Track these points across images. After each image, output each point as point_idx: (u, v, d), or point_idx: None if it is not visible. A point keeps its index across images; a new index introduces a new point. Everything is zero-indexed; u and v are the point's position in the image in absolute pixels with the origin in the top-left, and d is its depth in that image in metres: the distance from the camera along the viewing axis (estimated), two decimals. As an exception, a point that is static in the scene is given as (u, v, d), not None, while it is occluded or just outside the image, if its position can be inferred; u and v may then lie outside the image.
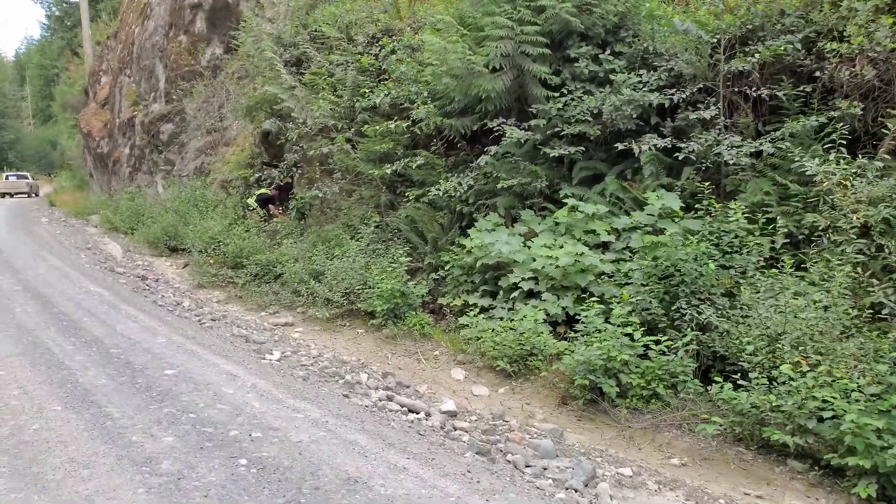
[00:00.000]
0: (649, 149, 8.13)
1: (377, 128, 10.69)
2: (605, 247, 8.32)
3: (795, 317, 5.56)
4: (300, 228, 13.05)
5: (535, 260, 8.42)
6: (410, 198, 10.88)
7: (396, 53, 11.33)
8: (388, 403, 6.00)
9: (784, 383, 5.19)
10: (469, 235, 9.61)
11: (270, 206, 14.28)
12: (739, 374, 5.86)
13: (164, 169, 21.07)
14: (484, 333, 8.01)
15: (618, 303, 6.93)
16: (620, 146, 8.55)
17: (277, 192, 14.62)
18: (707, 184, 7.96)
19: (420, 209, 10.72)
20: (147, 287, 11.34)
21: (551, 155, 9.07)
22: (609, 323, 6.64)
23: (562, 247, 8.25)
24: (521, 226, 9.23)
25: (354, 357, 8.15)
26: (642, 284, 7.12)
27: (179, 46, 20.54)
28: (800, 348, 5.35)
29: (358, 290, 9.81)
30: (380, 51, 12.23)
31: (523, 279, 8.32)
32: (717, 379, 5.66)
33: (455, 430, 5.54)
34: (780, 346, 5.42)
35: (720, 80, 8.29)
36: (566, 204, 9.28)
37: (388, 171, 10.35)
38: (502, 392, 7.01)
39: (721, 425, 5.31)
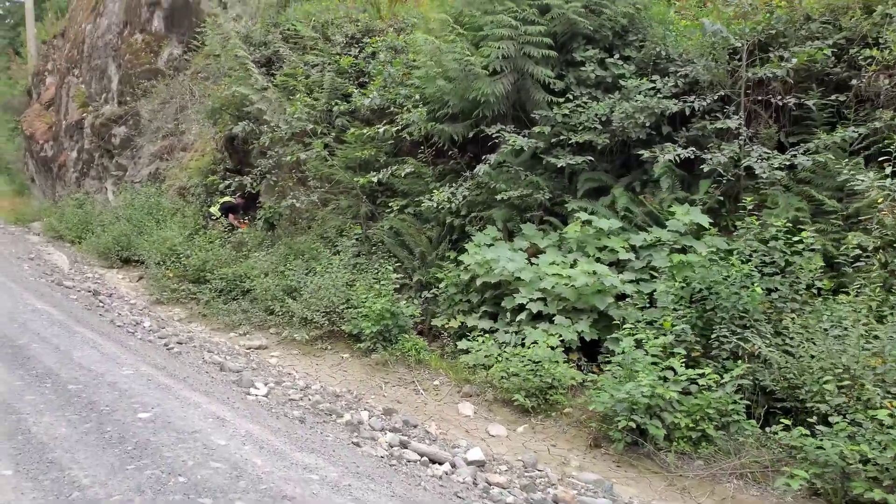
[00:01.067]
0: (672, 159, 7.48)
1: (362, 132, 9.83)
2: (618, 266, 7.64)
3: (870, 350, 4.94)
4: (269, 240, 12.06)
5: (541, 279, 7.69)
6: (394, 208, 10.05)
7: (379, 55, 10.51)
8: (403, 451, 5.14)
9: (866, 428, 4.53)
10: (465, 250, 8.84)
11: (232, 215, 13.23)
12: (794, 414, 5.22)
13: (115, 174, 19.67)
14: (490, 360, 7.23)
15: (655, 330, 6.23)
16: (644, 153, 7.89)
17: (243, 200, 13.58)
18: (724, 199, 7.39)
19: (405, 221, 9.89)
20: (101, 304, 10.17)
21: (555, 165, 8.39)
22: (644, 353, 5.92)
23: (574, 265, 7.54)
24: (522, 240, 8.49)
25: (344, 388, 7.25)
26: (673, 309, 6.44)
27: (135, 45, 19.25)
28: (888, 389, 4.72)
29: (340, 309, 8.92)
30: (360, 52, 11.41)
31: (531, 300, 7.57)
32: (783, 420, 4.98)
33: (490, 485, 4.72)
34: (861, 384, 4.78)
35: (741, 88, 7.74)
36: (567, 218, 8.63)
37: (375, 180, 9.47)
38: (521, 431, 6.21)
39: (806, 479, 4.59)
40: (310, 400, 6.38)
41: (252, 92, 11.22)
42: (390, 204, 10.20)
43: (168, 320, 9.98)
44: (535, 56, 8.40)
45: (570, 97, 8.40)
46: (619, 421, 5.52)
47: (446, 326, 8.32)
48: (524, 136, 8.44)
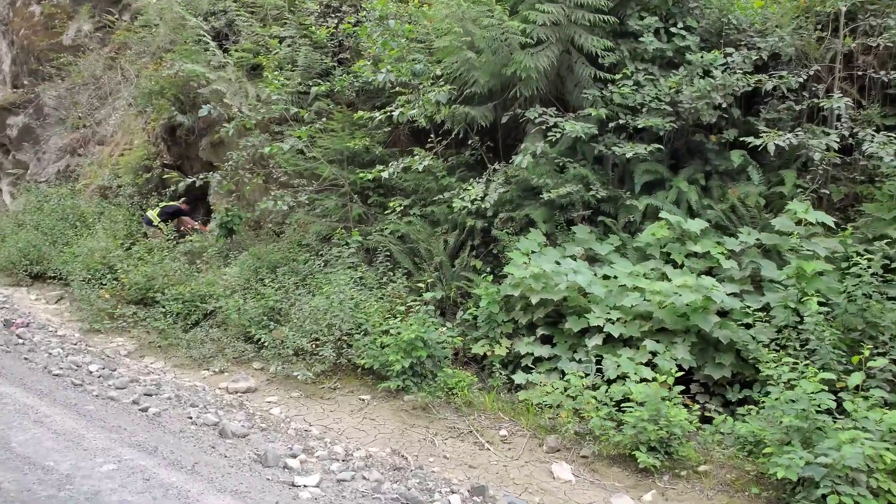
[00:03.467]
0: (786, 144, 6.20)
1: (362, 116, 8.06)
2: (708, 275, 6.32)
3: None
4: (226, 250, 10.06)
5: (614, 293, 6.30)
6: (395, 209, 8.37)
7: (387, 22, 8.70)
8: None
9: None
10: (499, 259, 7.34)
11: (186, 219, 11.10)
12: None
13: (12, 173, 16.72)
14: (555, 397, 5.76)
15: (794, 358, 4.94)
16: (711, 139, 6.62)
17: (188, 205, 11.45)
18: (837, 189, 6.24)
19: (413, 224, 8.24)
20: (20, 339, 7.92)
21: (602, 155, 7.04)
22: (809, 393, 4.60)
23: (664, 277, 6.18)
24: (572, 246, 7.05)
25: (387, 447, 5.57)
26: (821, 332, 5.16)
27: (32, 19, 16.40)
28: None
29: (347, 336, 7.20)
30: (339, 22, 9.59)
31: (609, 321, 6.15)
32: None
33: None
34: None
35: (838, 62, 6.58)
36: (618, 217, 7.30)
37: (385, 175, 7.74)
38: (650, 501, 4.76)
39: None
40: (368, 480, 4.67)
41: (208, 70, 9.17)
42: (390, 204, 8.52)
43: (115, 357, 7.89)
44: (585, 24, 6.96)
45: (627, 73, 7.01)
46: (813, 491, 4.17)
47: (489, 354, 6.77)
48: (570, 121, 6.98)
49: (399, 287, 7.63)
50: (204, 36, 9.20)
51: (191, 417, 5.58)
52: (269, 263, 9.07)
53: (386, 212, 8.64)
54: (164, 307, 8.77)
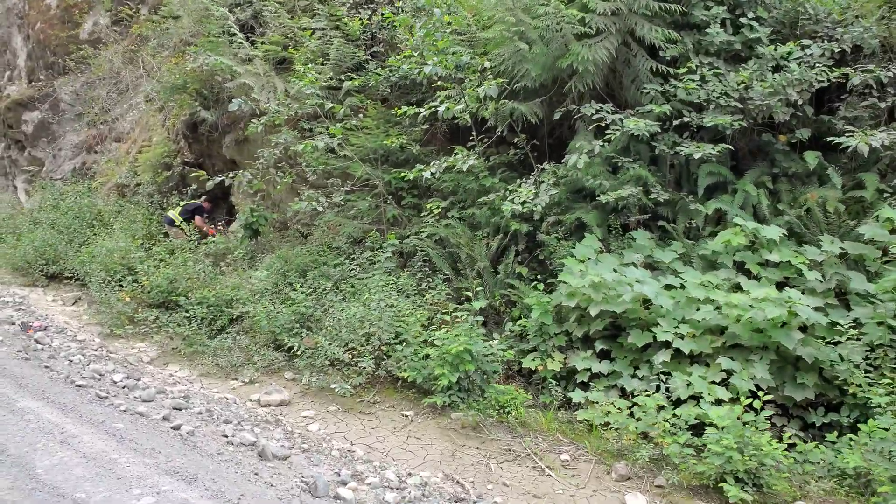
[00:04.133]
0: (880, 145, 5.67)
1: (404, 112, 7.59)
2: (786, 287, 5.80)
3: None
4: (251, 252, 9.62)
5: (678, 304, 5.80)
6: (432, 211, 7.90)
7: (403, 16, 8.22)
8: None
9: None
10: (544, 264, 6.86)
11: (199, 220, 10.65)
12: None
13: (27, 170, 16.35)
14: (630, 420, 5.27)
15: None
16: (780, 139, 6.11)
17: (209, 203, 11.02)
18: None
19: (453, 227, 7.76)
20: (39, 344, 7.48)
21: (658, 154, 6.55)
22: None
23: (736, 288, 5.67)
24: (631, 252, 6.55)
25: (439, 470, 5.08)
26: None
27: (48, 13, 16.03)
28: None
29: (385, 346, 6.73)
30: (371, 14, 9.12)
31: (678, 335, 5.64)
32: None
33: None
34: None
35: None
36: (676, 221, 6.80)
37: (427, 174, 7.26)
38: (743, 540, 4.27)
39: None
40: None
41: (236, 63, 8.71)
42: (427, 206, 8.04)
43: (138, 365, 7.44)
44: (645, 13, 6.46)
45: (692, 66, 6.51)
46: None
47: (540, 369, 6.28)
48: (633, 118, 6.48)
49: (440, 294, 7.15)
50: (232, 27, 8.72)
51: (226, 436, 5.11)
52: (297, 267, 8.63)
53: (422, 214, 8.19)
54: (187, 312, 8.33)
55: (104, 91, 14.35)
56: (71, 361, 6.93)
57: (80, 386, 5.89)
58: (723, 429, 4.73)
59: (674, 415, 5.05)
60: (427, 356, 6.41)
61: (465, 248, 7.54)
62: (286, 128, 8.84)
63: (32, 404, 5.13)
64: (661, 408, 5.34)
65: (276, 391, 6.62)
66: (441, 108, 6.86)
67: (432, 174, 7.18)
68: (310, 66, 7.98)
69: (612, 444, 5.29)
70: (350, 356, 6.75)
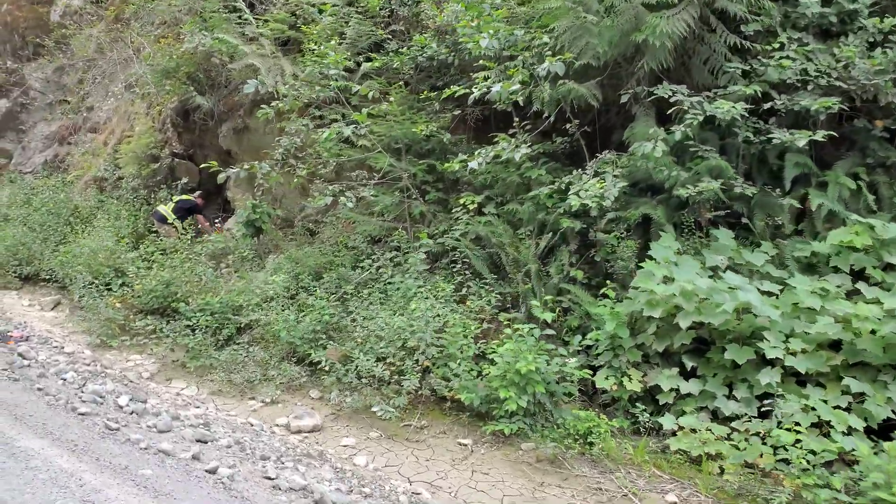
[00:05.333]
0: None
1: (444, 93, 6.74)
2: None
3: None
4: (254, 252, 8.66)
5: (782, 315, 5.06)
6: (468, 206, 7.07)
7: None
8: None
9: None
10: (621, 268, 6.07)
11: (201, 218, 9.65)
12: None
13: (-7, 162, 15.06)
14: (730, 450, 4.52)
15: None
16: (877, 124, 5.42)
17: (203, 200, 10.02)
18: None
19: (492, 225, 6.93)
20: (24, 360, 6.42)
21: (729, 143, 5.84)
22: None
23: (852, 295, 4.95)
24: (712, 254, 5.79)
25: (527, 517, 4.27)
26: None
27: (15, -8, 14.76)
28: None
29: (430, 362, 5.88)
30: (393, -14, 8.23)
31: (788, 352, 4.89)
32: None
33: None
34: None
35: None
36: (754, 219, 6.07)
37: (472, 165, 6.41)
38: None
39: None
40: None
41: (241, 42, 7.73)
42: (460, 201, 7.21)
43: (139, 382, 6.47)
44: (727, -19, 5.72)
45: (783, 41, 5.78)
46: None
47: (613, 389, 5.48)
48: (704, 101, 5.73)
49: (488, 301, 6.32)
50: (237, 1, 7.75)
51: (270, 478, 4.21)
52: (309, 269, 7.74)
53: (452, 210, 7.34)
54: (189, 320, 7.37)
55: (76, 78, 13.15)
56: (64, 381, 5.93)
57: (83, 414, 4.92)
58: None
59: (811, 450, 4.28)
60: (479, 374, 5.59)
61: (509, 249, 6.72)
62: (295, 115, 7.91)
63: (35, 444, 4.16)
64: (760, 435, 4.62)
65: (306, 414, 5.72)
66: (495, 89, 5.99)
67: (478, 164, 6.30)
68: (331, 43, 7.05)
69: (727, 482, 4.52)
70: (389, 373, 5.89)
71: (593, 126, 6.91)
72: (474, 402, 5.40)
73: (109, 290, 8.42)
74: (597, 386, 5.52)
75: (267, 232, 8.86)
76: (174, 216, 9.44)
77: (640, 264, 5.70)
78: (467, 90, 6.38)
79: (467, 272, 6.77)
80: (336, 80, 6.89)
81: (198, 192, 9.98)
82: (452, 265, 7.02)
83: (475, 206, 7.11)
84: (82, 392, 5.53)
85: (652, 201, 6.33)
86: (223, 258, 8.69)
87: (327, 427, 5.67)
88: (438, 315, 5.98)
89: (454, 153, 7.56)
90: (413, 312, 5.90)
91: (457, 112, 7.49)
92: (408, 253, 7.15)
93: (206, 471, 4.08)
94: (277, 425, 5.62)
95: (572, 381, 5.38)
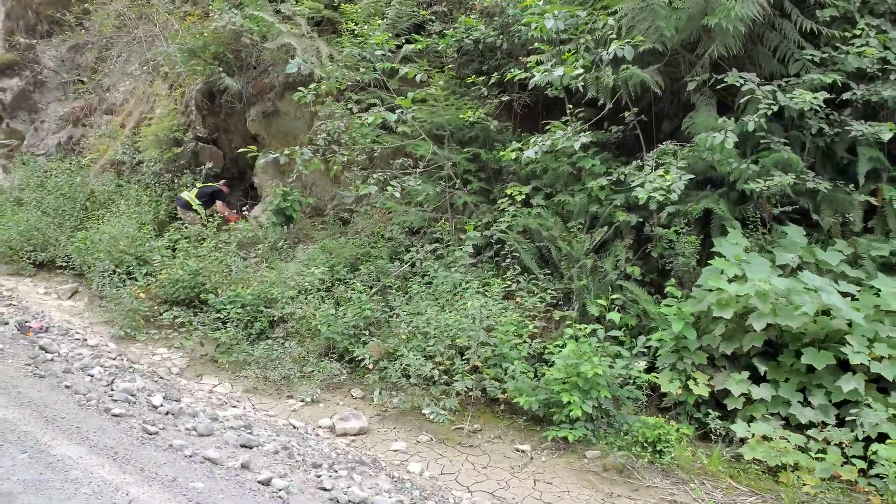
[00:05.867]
0: None
1: (491, 79, 6.43)
2: None
3: None
4: (283, 241, 8.33)
5: (866, 318, 4.75)
6: (514, 198, 6.75)
7: None
8: None
9: None
10: (685, 266, 5.75)
11: (220, 203, 9.31)
12: None
13: (5, 143, 14.68)
14: (806, 460, 4.23)
15: None
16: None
17: (228, 188, 9.69)
18: None
19: (542, 218, 6.61)
20: (48, 353, 6.11)
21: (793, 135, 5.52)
22: None
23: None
24: (782, 252, 5.47)
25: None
26: None
27: (29, -31, 14.36)
28: None
29: (482, 361, 5.58)
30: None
31: (876, 357, 4.59)
32: None
33: None
34: None
35: None
36: (821, 215, 5.75)
37: (528, 154, 6.08)
38: None
39: None
40: None
41: (275, 20, 7.38)
42: (506, 192, 6.89)
43: (169, 378, 6.17)
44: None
45: (864, 27, 5.43)
46: None
47: (678, 392, 5.18)
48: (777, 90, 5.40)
49: (541, 298, 6.01)
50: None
51: (325, 489, 3.91)
52: (345, 260, 7.43)
53: (496, 201, 7.03)
54: (219, 312, 7.06)
55: (95, 55, 12.77)
56: (91, 377, 5.62)
57: (117, 416, 4.62)
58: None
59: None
60: (536, 375, 5.30)
61: (561, 243, 6.40)
62: (331, 99, 7.56)
63: (72, 451, 3.86)
64: (841, 445, 4.33)
65: (351, 415, 5.42)
66: (557, 73, 5.64)
67: (535, 153, 5.97)
68: (377, 22, 6.69)
69: (813, 496, 4.22)
70: (439, 372, 5.59)
71: (648, 115, 6.58)
72: (532, 406, 5.11)
73: (133, 278, 8.11)
74: (662, 389, 5.22)
75: (297, 221, 8.54)
76: (198, 202, 9.12)
77: (706, 262, 5.38)
78: (526, 74, 6.02)
79: (516, 266, 6.46)
80: (381, 61, 6.52)
81: (223, 181, 9.65)
82: (496, 258, 6.74)
83: (522, 197, 6.79)
84: (112, 390, 5.22)
85: (713, 195, 6.00)
86: (251, 247, 8.38)
87: (373, 429, 5.38)
88: (491, 312, 5.66)
89: (500, 141, 7.25)
90: (468, 308, 5.57)
91: (504, 98, 7.15)
92: (450, 245, 6.84)
93: (259, 482, 3.78)
94: (321, 427, 5.33)
95: (640, 386, 5.07)
